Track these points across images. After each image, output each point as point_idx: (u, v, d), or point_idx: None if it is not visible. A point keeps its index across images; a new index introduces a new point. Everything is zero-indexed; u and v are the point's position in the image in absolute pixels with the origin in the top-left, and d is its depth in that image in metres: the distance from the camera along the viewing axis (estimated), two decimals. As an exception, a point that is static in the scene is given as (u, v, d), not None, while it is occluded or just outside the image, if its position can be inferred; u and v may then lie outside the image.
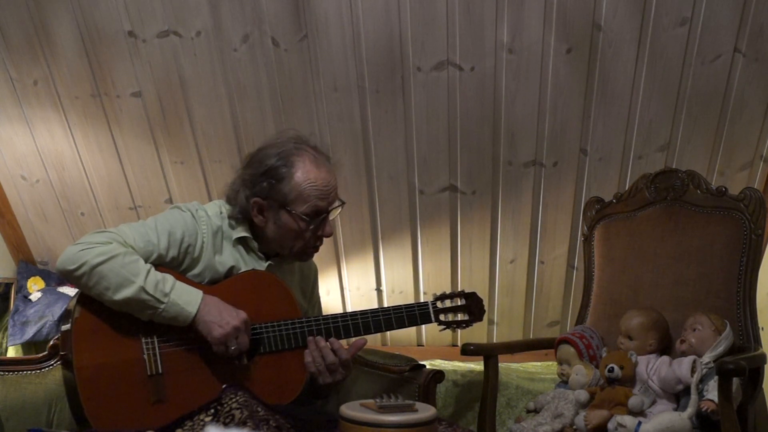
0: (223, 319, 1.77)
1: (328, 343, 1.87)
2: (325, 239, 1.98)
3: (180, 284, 1.78)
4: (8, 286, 3.57)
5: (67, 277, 1.75)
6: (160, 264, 1.83)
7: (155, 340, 1.79)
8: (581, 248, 2.65)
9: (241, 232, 1.92)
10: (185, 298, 1.76)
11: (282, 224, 1.90)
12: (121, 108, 3.16)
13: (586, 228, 2.52)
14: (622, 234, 2.42)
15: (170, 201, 3.43)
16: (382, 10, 2.81)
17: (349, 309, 3.64)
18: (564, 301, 3.52)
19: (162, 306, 1.73)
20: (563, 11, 2.76)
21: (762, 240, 2.19)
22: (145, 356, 1.77)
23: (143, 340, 1.78)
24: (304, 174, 1.88)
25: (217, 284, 1.88)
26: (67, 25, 2.94)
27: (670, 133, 3.03)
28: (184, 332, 1.79)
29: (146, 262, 1.79)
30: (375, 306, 3.56)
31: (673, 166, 2.76)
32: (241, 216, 1.93)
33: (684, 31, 2.77)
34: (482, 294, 3.51)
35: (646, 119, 2.99)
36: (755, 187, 3.09)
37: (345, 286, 3.60)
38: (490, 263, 3.43)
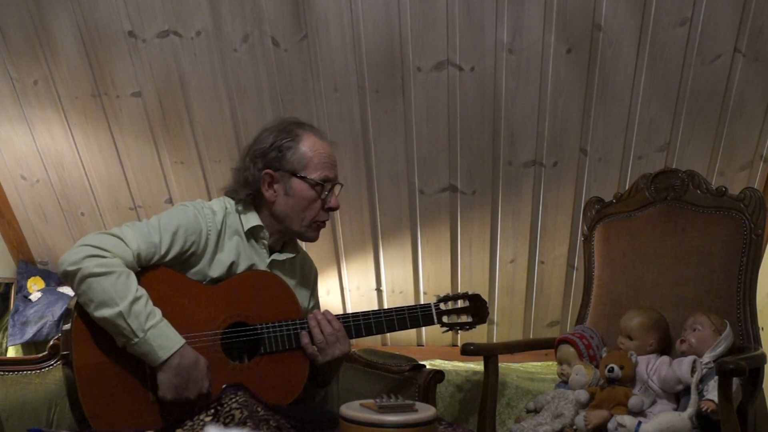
0: (182, 389, 1.72)
1: (323, 314, 1.89)
2: (324, 230, 2.00)
3: (164, 326, 1.72)
4: (8, 286, 3.57)
5: (62, 274, 1.74)
6: (162, 264, 1.82)
7: None
8: (581, 248, 2.65)
9: (252, 222, 1.93)
10: (161, 341, 1.70)
11: (294, 193, 1.91)
12: (121, 108, 3.16)
13: (586, 228, 2.52)
14: (622, 234, 2.42)
15: (170, 201, 3.43)
16: (382, 11, 2.81)
17: (349, 309, 3.65)
18: (564, 301, 3.52)
19: (135, 339, 1.69)
20: (563, 11, 2.77)
21: (762, 240, 2.19)
22: None
23: None
24: (310, 144, 1.94)
25: (219, 283, 1.87)
26: (67, 25, 2.94)
27: (670, 133, 3.03)
28: (183, 332, 1.79)
29: (149, 264, 1.78)
30: (375, 306, 3.57)
31: (673, 166, 2.76)
32: (249, 200, 1.94)
33: (684, 31, 2.77)
34: (482, 294, 3.53)
35: (646, 119, 2.99)
36: (755, 187, 3.09)
37: (345, 286, 3.60)
38: (490, 263, 3.43)
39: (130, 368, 1.75)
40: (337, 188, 1.98)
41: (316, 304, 2.17)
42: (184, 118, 3.17)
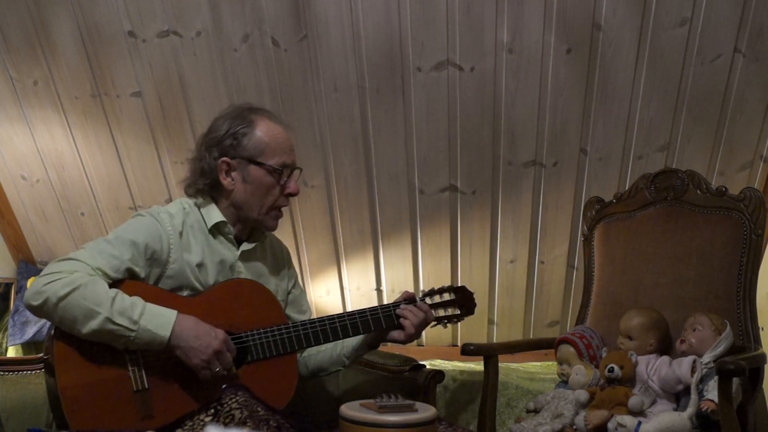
0: (201, 343, 1.71)
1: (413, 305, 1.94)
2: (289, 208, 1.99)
3: (151, 307, 1.71)
4: (8, 286, 3.58)
5: (34, 312, 1.71)
6: (133, 277, 1.78)
7: (140, 353, 1.74)
8: (581, 248, 2.65)
9: (214, 218, 1.90)
10: (156, 321, 1.69)
11: (252, 180, 1.89)
12: (121, 108, 3.16)
13: (586, 228, 2.52)
14: (622, 234, 2.42)
15: (170, 201, 3.42)
16: (382, 11, 2.81)
17: (349, 309, 3.64)
18: (564, 301, 3.52)
19: (132, 334, 1.68)
20: (563, 11, 2.77)
21: (762, 240, 2.19)
22: (130, 372, 1.73)
23: (127, 355, 1.74)
24: (264, 128, 1.91)
25: (200, 295, 1.84)
26: (67, 25, 2.94)
27: (670, 133, 3.03)
28: None
29: (118, 276, 1.75)
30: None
31: (673, 166, 2.76)
32: (206, 191, 1.92)
33: (684, 31, 2.77)
34: (482, 294, 3.53)
35: (646, 119, 2.99)
36: (755, 187, 3.09)
37: (345, 286, 3.60)
38: (490, 263, 3.43)
39: (115, 385, 1.71)
40: (296, 173, 1.95)
41: (296, 282, 2.14)
42: (184, 118, 3.17)
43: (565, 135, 3.06)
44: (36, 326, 3.37)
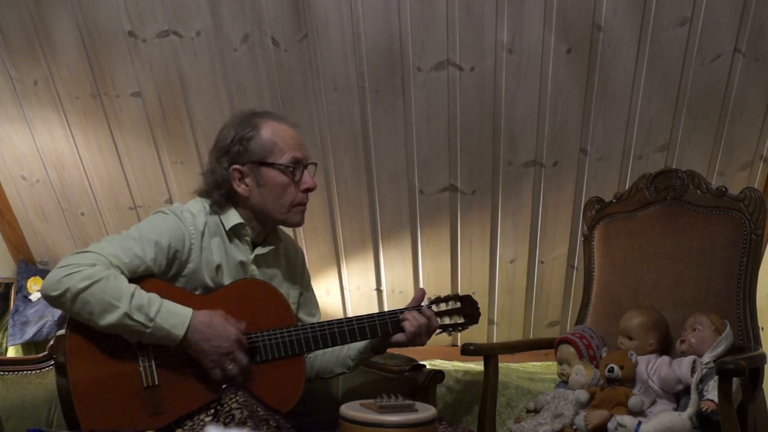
0: (213, 344, 1.73)
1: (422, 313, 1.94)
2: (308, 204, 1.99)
3: (167, 305, 1.72)
4: (8, 286, 3.57)
5: (51, 303, 1.71)
6: (151, 275, 1.79)
7: (150, 350, 1.75)
8: (581, 248, 2.65)
9: (233, 220, 1.91)
10: (172, 321, 1.71)
11: (266, 182, 1.89)
12: (121, 108, 3.16)
13: (586, 228, 2.52)
14: (622, 234, 2.42)
15: (170, 201, 3.43)
16: (382, 10, 2.81)
17: (349, 309, 3.65)
18: (564, 301, 3.52)
19: (148, 330, 1.69)
20: (563, 11, 2.77)
21: (762, 240, 2.19)
22: (141, 368, 1.74)
23: (138, 351, 1.75)
24: (270, 129, 1.91)
25: (212, 293, 1.85)
26: (67, 25, 2.94)
27: (670, 133, 3.03)
28: None
29: (135, 275, 1.76)
30: (375, 306, 3.57)
31: (673, 166, 2.76)
32: (224, 201, 1.92)
33: (684, 31, 2.77)
34: (482, 294, 3.53)
35: (646, 119, 2.99)
36: (755, 187, 3.09)
37: (345, 286, 3.60)
38: (490, 263, 3.43)
39: (125, 381, 1.72)
40: (311, 168, 1.95)
41: (308, 285, 2.15)
42: (184, 118, 3.17)
43: (565, 135, 3.06)
44: (36, 326, 3.37)
